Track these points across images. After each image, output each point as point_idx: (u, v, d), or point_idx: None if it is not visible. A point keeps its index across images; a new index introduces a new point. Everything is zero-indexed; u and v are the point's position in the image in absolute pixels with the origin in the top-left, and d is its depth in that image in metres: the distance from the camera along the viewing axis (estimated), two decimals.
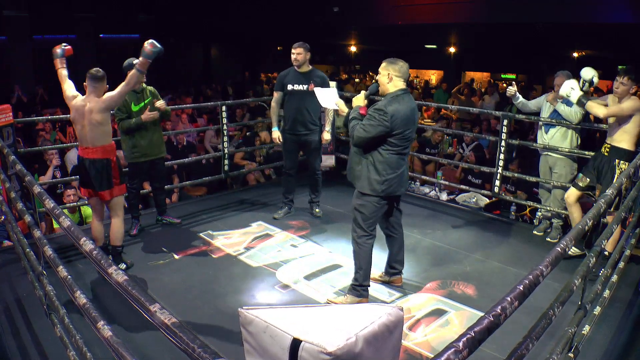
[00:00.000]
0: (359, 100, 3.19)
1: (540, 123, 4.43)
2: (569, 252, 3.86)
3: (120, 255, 3.69)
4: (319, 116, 4.62)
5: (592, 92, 4.08)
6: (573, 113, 4.08)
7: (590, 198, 3.98)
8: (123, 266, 3.66)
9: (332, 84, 5.82)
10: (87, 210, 5.32)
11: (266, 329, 1.82)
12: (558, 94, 4.08)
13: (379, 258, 3.96)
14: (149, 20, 15.16)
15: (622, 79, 3.60)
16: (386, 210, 3.29)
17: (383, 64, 3.07)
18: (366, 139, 3.00)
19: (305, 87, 4.43)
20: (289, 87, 4.46)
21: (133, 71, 3.38)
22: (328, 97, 3.65)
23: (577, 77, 4.03)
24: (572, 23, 8.51)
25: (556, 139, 4.28)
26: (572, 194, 3.89)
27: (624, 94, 3.62)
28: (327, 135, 4.66)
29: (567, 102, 4.15)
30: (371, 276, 3.52)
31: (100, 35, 14.63)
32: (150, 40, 3.33)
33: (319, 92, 3.75)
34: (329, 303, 3.29)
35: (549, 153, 4.37)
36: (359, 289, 3.23)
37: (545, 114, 4.39)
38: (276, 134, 4.62)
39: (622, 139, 3.67)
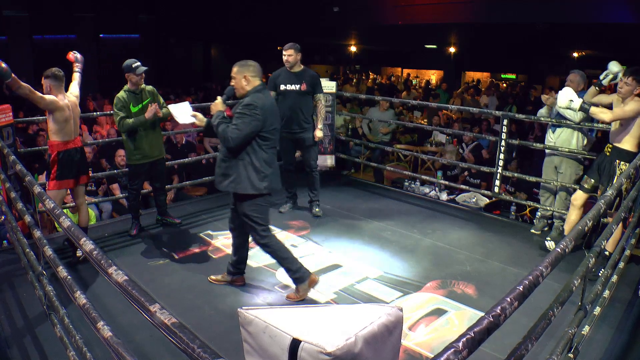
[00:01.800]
0: (218, 105, 3.19)
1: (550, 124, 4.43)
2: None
3: None
4: (312, 115, 4.69)
5: (607, 87, 4.04)
6: (573, 113, 4.09)
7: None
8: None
9: (332, 83, 5.83)
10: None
11: (266, 329, 1.82)
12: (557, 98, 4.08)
13: (378, 257, 3.97)
14: (149, 20, 15.16)
15: (626, 79, 3.58)
16: (234, 209, 3.28)
17: (235, 69, 3.10)
18: (242, 138, 2.98)
19: (297, 86, 4.53)
20: (282, 87, 4.53)
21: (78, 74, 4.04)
22: (182, 112, 3.69)
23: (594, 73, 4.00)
24: (572, 23, 8.49)
25: (563, 139, 4.27)
26: (580, 197, 3.88)
27: (628, 94, 3.60)
28: (319, 133, 4.72)
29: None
30: (213, 278, 3.50)
31: (100, 35, 14.62)
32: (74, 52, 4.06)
33: (172, 108, 3.79)
34: (289, 299, 3.29)
35: (555, 153, 4.37)
36: (299, 276, 3.24)
37: (546, 113, 4.41)
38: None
39: (624, 140, 3.66)
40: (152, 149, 4.22)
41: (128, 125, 4.05)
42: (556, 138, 4.31)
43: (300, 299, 3.26)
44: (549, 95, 4.32)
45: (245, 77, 3.07)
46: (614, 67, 3.84)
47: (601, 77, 3.91)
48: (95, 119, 8.25)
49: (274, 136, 3.11)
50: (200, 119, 3.48)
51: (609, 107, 3.75)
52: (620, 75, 3.76)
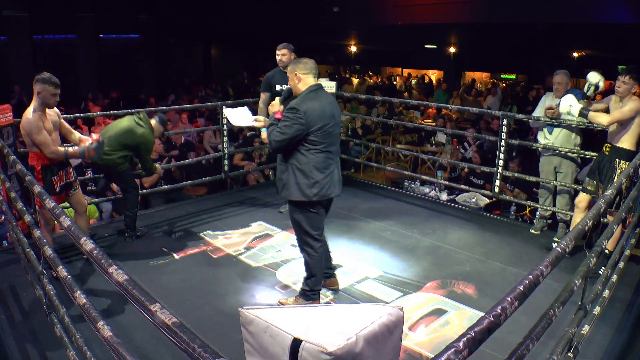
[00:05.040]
0: (275, 106, 3.08)
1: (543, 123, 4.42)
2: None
3: None
4: None
5: (594, 96, 4.01)
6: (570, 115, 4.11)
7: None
8: None
9: (332, 83, 5.83)
10: (90, 208, 5.33)
11: (266, 329, 1.82)
12: (557, 107, 4.06)
13: (378, 257, 3.97)
14: (149, 20, 15.16)
15: (624, 78, 3.60)
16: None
17: (289, 67, 2.99)
18: (284, 141, 2.85)
19: None
20: (278, 87, 4.54)
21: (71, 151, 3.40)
22: (240, 116, 3.53)
23: (582, 78, 4.01)
24: (572, 23, 8.50)
25: (561, 139, 4.27)
26: (584, 199, 3.88)
27: (626, 93, 3.63)
28: None
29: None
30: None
31: (100, 35, 14.60)
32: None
33: (228, 112, 3.60)
34: (280, 304, 3.23)
35: (554, 153, 4.36)
36: (309, 294, 3.15)
37: (541, 114, 4.39)
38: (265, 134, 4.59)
39: (623, 140, 3.68)
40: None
41: None
42: (554, 138, 4.31)
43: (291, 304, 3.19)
44: (555, 110, 4.28)
45: (296, 75, 2.93)
46: (592, 78, 3.83)
47: (584, 90, 3.91)
48: (93, 119, 8.23)
49: (325, 140, 2.91)
50: (263, 120, 3.34)
51: (606, 111, 3.78)
52: (601, 85, 3.80)
